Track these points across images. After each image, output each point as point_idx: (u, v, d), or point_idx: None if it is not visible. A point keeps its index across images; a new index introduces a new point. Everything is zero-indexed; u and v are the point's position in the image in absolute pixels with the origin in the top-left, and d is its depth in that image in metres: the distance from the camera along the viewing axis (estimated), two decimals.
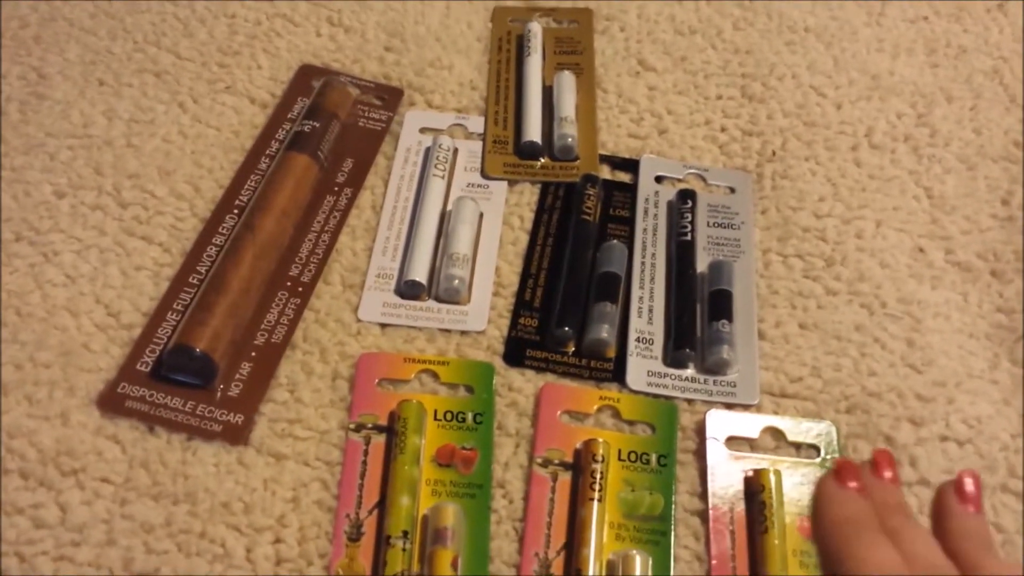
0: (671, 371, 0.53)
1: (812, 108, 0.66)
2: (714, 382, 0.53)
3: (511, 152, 0.63)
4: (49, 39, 0.67)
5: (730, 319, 0.55)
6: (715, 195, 0.62)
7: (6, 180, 0.58)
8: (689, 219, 0.59)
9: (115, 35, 0.68)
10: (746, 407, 0.52)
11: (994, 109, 0.67)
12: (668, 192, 0.61)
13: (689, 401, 0.52)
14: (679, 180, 0.62)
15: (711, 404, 0.52)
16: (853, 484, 0.34)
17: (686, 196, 0.60)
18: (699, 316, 0.55)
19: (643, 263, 0.58)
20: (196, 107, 0.64)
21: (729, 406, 0.52)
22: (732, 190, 0.62)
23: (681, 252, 0.58)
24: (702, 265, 0.58)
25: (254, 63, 0.67)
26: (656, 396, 0.52)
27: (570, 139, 0.62)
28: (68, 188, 0.58)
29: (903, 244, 0.59)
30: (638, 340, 0.54)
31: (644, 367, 0.53)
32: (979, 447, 0.51)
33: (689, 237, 0.58)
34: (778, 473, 0.48)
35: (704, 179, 0.62)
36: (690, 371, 0.53)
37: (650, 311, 0.56)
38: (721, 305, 0.55)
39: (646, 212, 0.61)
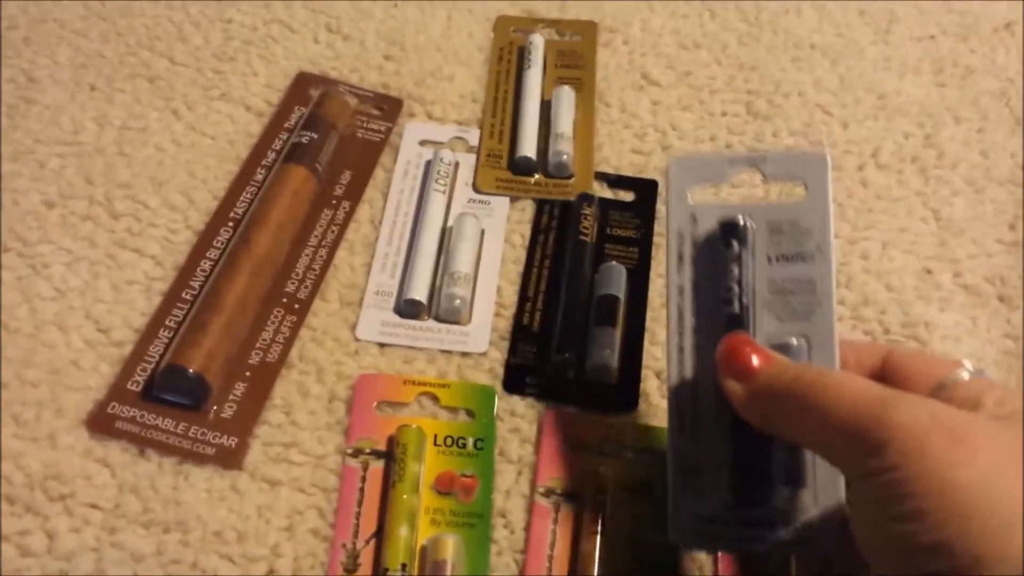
0: None
1: (818, 127, 0.65)
2: None
3: (505, 167, 0.61)
4: (39, 41, 0.65)
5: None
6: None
7: None
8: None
9: (107, 38, 0.66)
10: None
11: (1000, 131, 0.66)
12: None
13: None
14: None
15: None
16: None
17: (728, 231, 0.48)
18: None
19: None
20: (190, 114, 0.62)
21: None
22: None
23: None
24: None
25: (250, 70, 0.65)
26: None
27: (565, 156, 0.61)
28: (58, 197, 0.57)
29: (910, 266, 0.59)
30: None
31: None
32: None
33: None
34: None
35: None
36: None
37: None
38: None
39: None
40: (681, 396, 0.42)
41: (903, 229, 0.60)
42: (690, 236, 0.44)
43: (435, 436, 0.49)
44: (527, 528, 0.47)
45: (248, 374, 0.51)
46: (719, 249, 0.43)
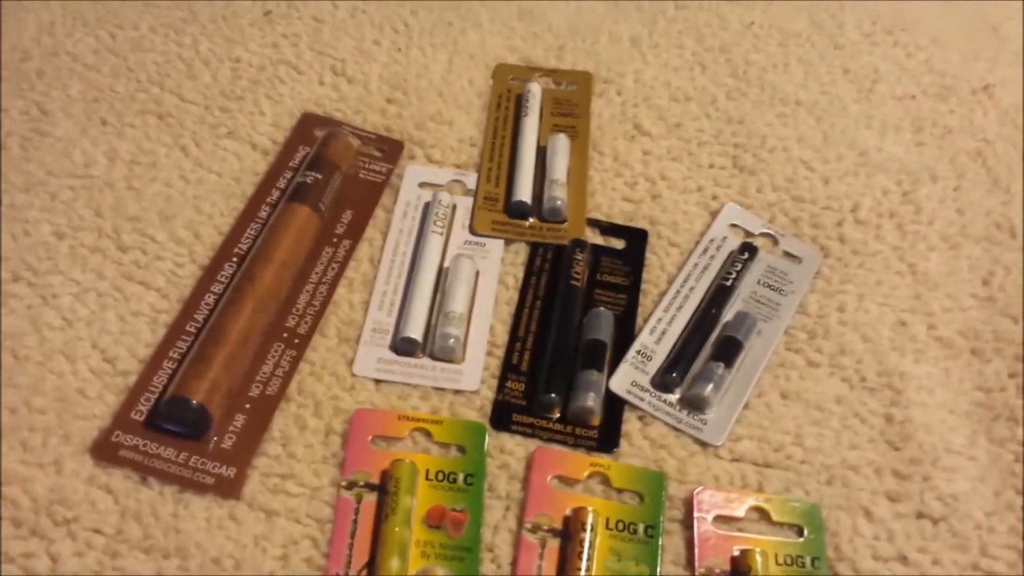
0: (658, 394, 0.56)
1: (800, 182, 0.67)
2: (696, 417, 0.56)
3: (501, 210, 0.64)
4: (52, 74, 0.68)
5: (729, 365, 0.56)
6: (780, 260, 0.63)
7: (5, 218, 0.59)
8: (738, 268, 0.61)
9: (118, 73, 0.68)
10: (705, 445, 0.54)
11: (977, 190, 0.69)
12: (736, 241, 0.64)
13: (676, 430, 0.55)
14: (750, 234, 0.65)
15: (700, 442, 0.55)
16: None
17: (745, 248, 0.63)
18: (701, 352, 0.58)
19: (678, 291, 0.61)
20: (198, 151, 0.64)
21: (702, 444, 0.54)
22: (800, 261, 0.63)
23: (716, 294, 0.60)
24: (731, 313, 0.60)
25: (257, 109, 0.67)
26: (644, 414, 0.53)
27: (559, 201, 0.63)
28: (68, 229, 0.59)
29: (885, 318, 0.61)
30: (637, 352, 0.58)
31: (631, 378, 0.57)
32: (952, 525, 0.52)
33: (730, 283, 0.60)
34: (764, 554, 0.50)
35: (776, 241, 0.64)
36: (673, 396, 0.56)
37: (663, 333, 0.59)
38: (726, 350, 0.57)
39: (705, 250, 0.63)
40: None
41: (879, 282, 0.63)
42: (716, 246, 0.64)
43: (427, 471, 0.51)
44: (513, 563, 0.49)
45: (248, 406, 0.52)
46: (733, 255, 0.63)
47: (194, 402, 0.50)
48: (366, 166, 0.65)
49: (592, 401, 0.54)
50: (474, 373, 0.56)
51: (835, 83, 0.75)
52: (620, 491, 0.52)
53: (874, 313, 0.61)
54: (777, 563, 0.50)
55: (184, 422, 0.50)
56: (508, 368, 0.56)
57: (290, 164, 0.64)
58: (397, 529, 0.48)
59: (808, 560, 0.50)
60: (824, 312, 0.61)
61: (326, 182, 0.61)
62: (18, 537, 0.47)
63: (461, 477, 0.51)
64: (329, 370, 0.55)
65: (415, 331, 0.56)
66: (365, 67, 0.71)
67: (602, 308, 0.59)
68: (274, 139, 0.66)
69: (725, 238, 0.64)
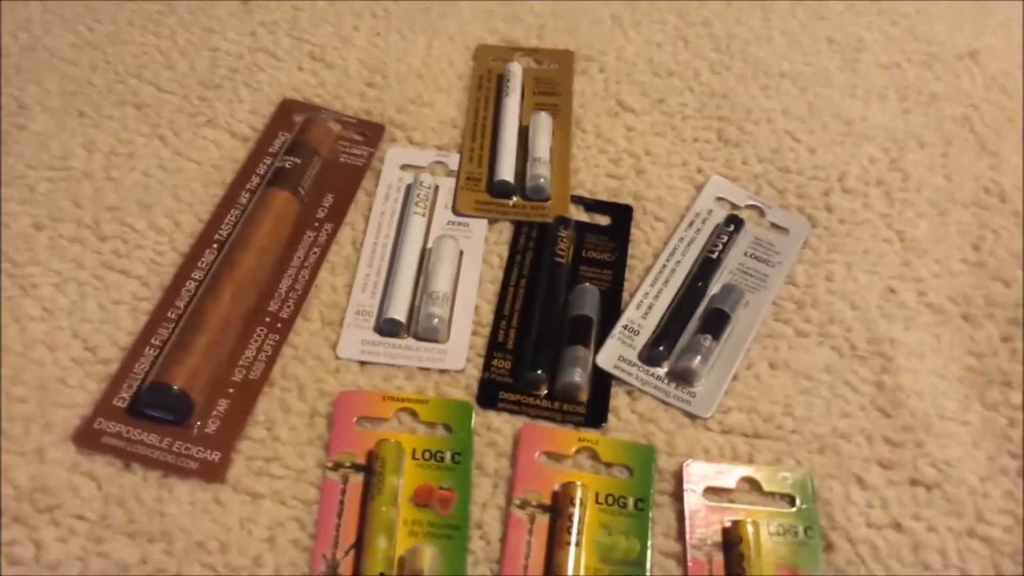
0: (646, 368, 0.56)
1: (786, 153, 0.67)
2: (685, 390, 0.55)
3: (483, 190, 0.63)
4: (29, 68, 0.67)
5: (716, 337, 0.56)
6: (766, 231, 0.63)
7: None
8: (724, 240, 0.61)
9: (96, 66, 0.68)
10: (694, 417, 0.54)
11: (964, 156, 0.68)
12: (721, 214, 0.63)
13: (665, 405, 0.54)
14: (736, 206, 0.64)
15: (688, 414, 0.54)
16: None
17: (731, 221, 0.62)
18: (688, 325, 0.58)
19: (664, 265, 0.61)
20: (177, 140, 0.64)
21: (691, 416, 0.54)
22: (787, 232, 0.63)
23: (703, 267, 0.60)
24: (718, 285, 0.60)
25: (235, 97, 0.67)
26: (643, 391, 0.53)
27: (542, 179, 0.63)
28: (47, 220, 0.58)
29: (874, 286, 0.60)
30: (624, 327, 0.57)
31: (618, 352, 0.56)
32: (947, 491, 0.52)
33: (716, 256, 0.60)
34: (756, 524, 0.49)
35: (763, 212, 0.64)
36: (661, 370, 0.56)
37: (649, 308, 0.59)
38: (713, 322, 0.57)
39: (691, 224, 0.62)
40: None
41: (868, 251, 0.62)
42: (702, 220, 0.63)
43: (413, 450, 0.51)
44: (503, 539, 0.48)
45: (231, 391, 0.52)
46: (719, 227, 0.62)
47: (175, 388, 0.50)
48: (347, 150, 0.65)
49: (579, 377, 0.54)
50: (459, 352, 0.55)
51: (819, 53, 0.74)
52: (609, 465, 0.51)
53: (863, 281, 0.61)
54: (770, 533, 0.49)
55: (166, 408, 0.50)
56: (494, 346, 0.56)
57: (269, 150, 0.64)
58: (384, 509, 0.48)
59: (801, 529, 0.50)
60: (812, 282, 0.60)
61: (305, 166, 0.61)
62: (1, 525, 0.46)
63: (448, 456, 0.51)
64: (313, 353, 0.55)
65: (399, 312, 0.56)
66: (344, 52, 0.71)
67: (587, 284, 0.59)
68: (253, 126, 0.65)
69: (711, 211, 0.63)
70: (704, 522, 0.50)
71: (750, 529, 0.49)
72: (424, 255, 0.59)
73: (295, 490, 0.49)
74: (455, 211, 0.62)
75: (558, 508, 0.49)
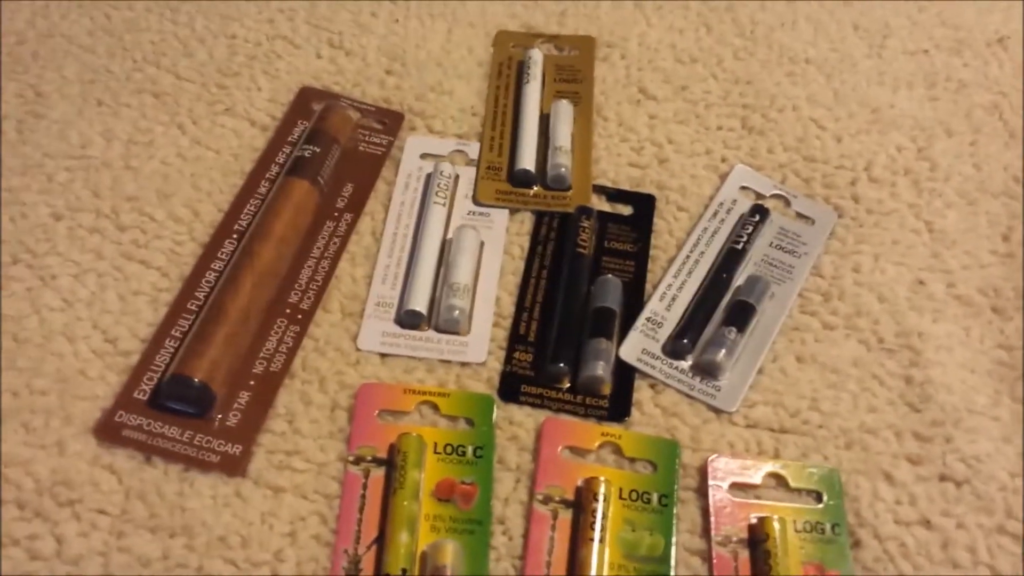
0: (670, 361, 0.55)
1: (812, 141, 0.66)
2: (709, 384, 0.54)
3: (504, 179, 0.63)
4: (47, 56, 0.67)
5: (741, 330, 0.55)
6: (792, 221, 0.62)
7: (3, 201, 0.58)
8: (749, 231, 0.60)
9: (114, 53, 0.67)
10: (719, 412, 0.53)
11: (993, 144, 0.67)
12: (746, 204, 0.62)
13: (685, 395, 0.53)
14: (761, 196, 0.63)
15: (713, 408, 0.53)
16: None
17: (756, 210, 0.61)
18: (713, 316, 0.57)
19: (688, 256, 0.60)
20: (195, 129, 0.63)
21: (715, 411, 0.53)
22: (813, 222, 0.62)
23: (727, 258, 0.59)
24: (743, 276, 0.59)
25: (254, 85, 0.66)
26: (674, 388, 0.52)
27: (563, 169, 0.62)
28: (66, 210, 0.58)
29: (902, 278, 0.60)
30: (647, 320, 0.57)
31: (642, 345, 0.55)
32: (976, 487, 0.51)
33: (741, 247, 0.59)
34: (783, 521, 0.48)
35: (788, 202, 0.63)
36: (685, 363, 0.55)
37: (673, 299, 0.58)
38: (738, 314, 0.56)
39: (715, 214, 0.61)
40: None
41: (896, 241, 0.61)
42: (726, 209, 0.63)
43: (435, 444, 0.50)
44: (525, 534, 0.48)
45: (252, 383, 0.52)
46: (744, 217, 0.61)
47: (196, 380, 0.49)
48: (366, 139, 0.64)
49: (602, 370, 0.53)
50: (480, 345, 0.55)
51: (845, 40, 0.73)
52: (632, 460, 0.51)
53: (891, 273, 0.60)
54: (796, 530, 0.49)
55: (187, 400, 0.50)
56: (515, 339, 0.55)
57: (289, 139, 0.63)
58: (406, 503, 0.47)
59: (828, 526, 0.49)
60: (839, 273, 0.59)
61: (324, 155, 0.60)
62: (22, 519, 0.46)
63: (470, 450, 0.50)
64: (333, 345, 0.54)
65: (420, 304, 0.55)
66: (363, 39, 0.70)
67: (610, 275, 0.58)
68: (272, 114, 0.65)
69: (735, 201, 0.63)
70: (730, 519, 0.49)
71: (776, 526, 0.48)
72: (444, 245, 0.59)
73: (316, 484, 0.49)
74: (475, 201, 0.61)
75: (581, 504, 0.48)
